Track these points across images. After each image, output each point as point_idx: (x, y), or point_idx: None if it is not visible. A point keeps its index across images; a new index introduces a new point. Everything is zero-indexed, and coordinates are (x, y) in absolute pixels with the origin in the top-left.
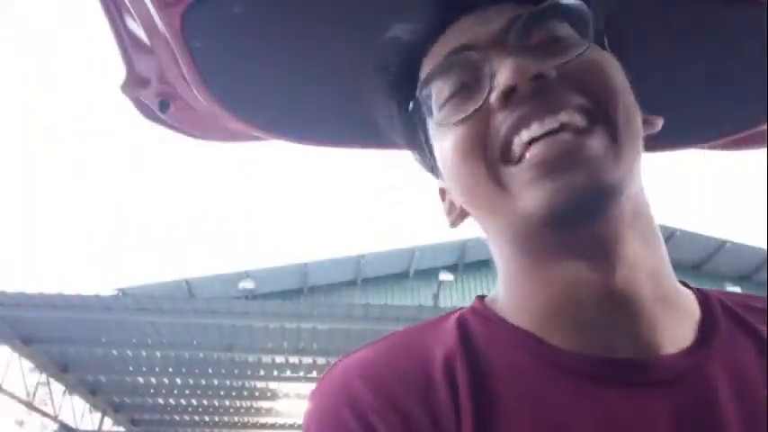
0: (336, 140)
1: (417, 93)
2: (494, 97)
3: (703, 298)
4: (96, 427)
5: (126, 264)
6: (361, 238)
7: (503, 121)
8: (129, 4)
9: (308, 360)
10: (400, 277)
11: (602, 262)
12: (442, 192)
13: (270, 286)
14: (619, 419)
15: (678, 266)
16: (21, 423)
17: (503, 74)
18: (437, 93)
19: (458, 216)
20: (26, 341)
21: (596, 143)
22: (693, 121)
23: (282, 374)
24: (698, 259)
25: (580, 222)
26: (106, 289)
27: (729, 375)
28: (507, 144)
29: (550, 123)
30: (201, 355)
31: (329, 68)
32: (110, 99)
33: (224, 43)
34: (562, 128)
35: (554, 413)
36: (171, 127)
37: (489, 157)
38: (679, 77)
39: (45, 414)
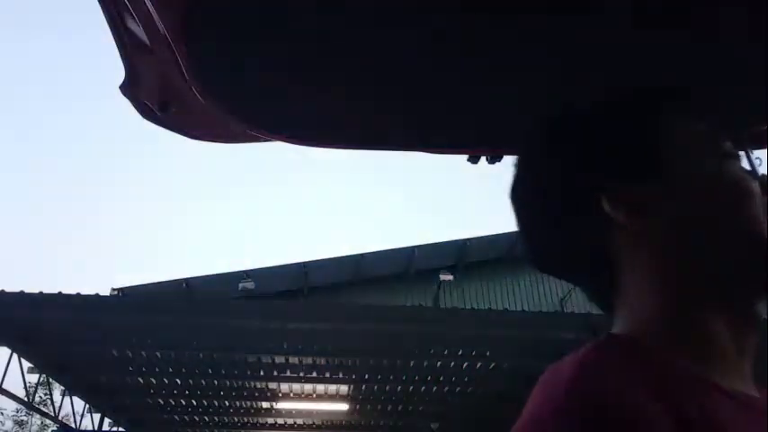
0: (336, 141)
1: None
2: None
3: None
4: (96, 427)
5: (126, 264)
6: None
7: None
8: (129, 5)
9: (308, 360)
10: (400, 277)
11: None
12: (616, 199)
13: (270, 286)
14: None
15: None
16: (20, 423)
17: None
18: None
19: (638, 226)
20: (26, 341)
21: None
22: None
23: (282, 374)
24: None
25: None
26: (106, 289)
27: None
28: None
29: None
30: (201, 355)
31: (331, 70)
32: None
33: (224, 44)
34: None
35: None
36: (171, 127)
37: None
38: (679, 78)
39: (45, 414)
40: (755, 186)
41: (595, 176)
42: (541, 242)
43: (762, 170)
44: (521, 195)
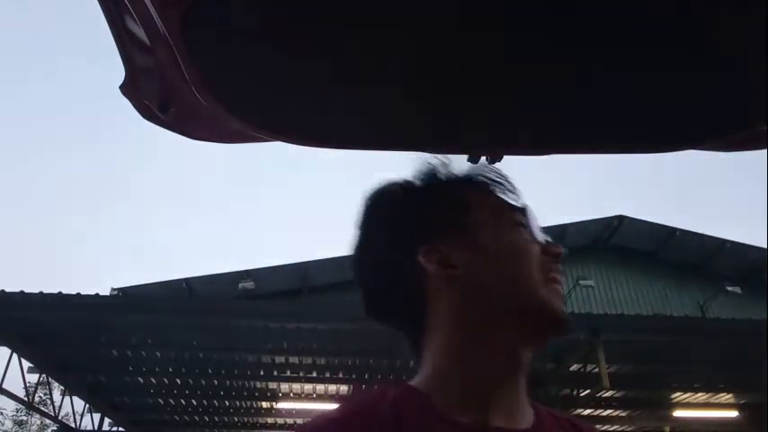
0: (338, 142)
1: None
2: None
3: (534, 405)
4: (96, 427)
5: (126, 264)
6: None
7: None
8: (128, 5)
9: (308, 360)
10: None
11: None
12: (431, 253)
13: (270, 286)
14: None
15: (678, 266)
16: (20, 423)
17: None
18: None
19: (444, 275)
20: (26, 341)
21: None
22: (694, 122)
23: (282, 374)
24: (698, 259)
25: None
26: (106, 289)
27: None
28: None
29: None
30: (201, 355)
31: (331, 69)
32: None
33: (225, 43)
34: None
35: None
36: (171, 128)
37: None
38: (680, 78)
39: (45, 414)
40: (535, 249)
41: (414, 239)
42: (377, 295)
43: (544, 236)
44: (359, 258)
